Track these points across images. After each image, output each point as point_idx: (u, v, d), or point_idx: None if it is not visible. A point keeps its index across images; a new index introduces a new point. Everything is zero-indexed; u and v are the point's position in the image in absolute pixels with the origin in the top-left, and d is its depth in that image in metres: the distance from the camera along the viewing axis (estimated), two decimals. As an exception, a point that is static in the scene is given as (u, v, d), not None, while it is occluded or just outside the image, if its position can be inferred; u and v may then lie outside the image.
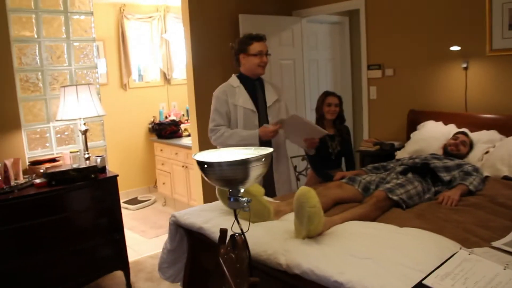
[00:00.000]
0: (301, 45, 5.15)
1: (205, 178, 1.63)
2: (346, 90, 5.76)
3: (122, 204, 3.49)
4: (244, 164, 1.55)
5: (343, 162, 3.78)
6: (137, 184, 6.14)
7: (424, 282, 1.56)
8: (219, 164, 1.55)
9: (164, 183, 5.69)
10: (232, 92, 3.20)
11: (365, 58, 4.56)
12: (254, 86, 3.25)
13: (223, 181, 1.60)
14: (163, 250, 2.71)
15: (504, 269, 1.62)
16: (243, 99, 3.18)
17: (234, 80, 3.25)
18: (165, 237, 2.67)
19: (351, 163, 3.72)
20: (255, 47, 3.12)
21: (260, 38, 3.14)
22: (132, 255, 4.00)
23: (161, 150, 5.67)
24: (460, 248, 1.83)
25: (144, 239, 4.59)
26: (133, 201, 5.79)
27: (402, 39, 4.21)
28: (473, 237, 2.08)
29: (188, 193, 5.22)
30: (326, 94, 3.63)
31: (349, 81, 5.81)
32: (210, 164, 1.56)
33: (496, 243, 1.96)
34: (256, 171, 1.58)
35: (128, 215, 5.31)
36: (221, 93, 3.19)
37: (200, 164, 1.59)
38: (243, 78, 3.24)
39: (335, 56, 5.87)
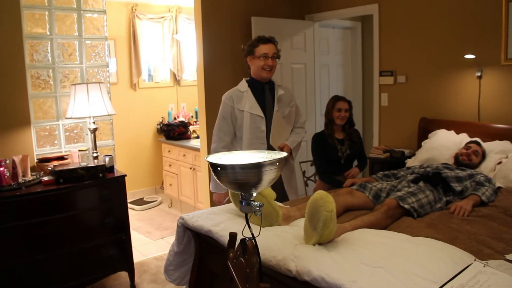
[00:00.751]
0: (313, 50, 5.13)
1: (217, 180, 1.61)
2: (356, 96, 5.73)
3: (128, 205, 3.48)
4: (257, 167, 1.53)
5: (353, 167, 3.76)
6: (144, 185, 6.14)
7: (438, 293, 1.53)
8: (233, 167, 1.53)
9: (171, 185, 5.68)
10: (239, 97, 3.19)
11: (377, 64, 4.53)
12: (263, 90, 3.23)
13: (235, 184, 1.58)
14: (169, 252, 2.70)
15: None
16: (250, 104, 3.17)
17: (242, 84, 3.25)
18: (170, 239, 2.66)
19: (363, 163, 3.72)
20: (260, 49, 3.11)
21: (266, 40, 3.12)
22: (137, 256, 3.99)
23: (169, 151, 5.67)
24: (475, 260, 1.80)
25: (149, 240, 4.57)
26: (139, 202, 5.78)
27: (415, 46, 4.18)
28: (487, 249, 2.05)
29: (195, 195, 5.21)
30: (336, 99, 3.61)
31: (360, 87, 5.78)
32: (223, 167, 1.55)
33: (510, 256, 1.93)
34: (269, 175, 1.56)
35: (134, 215, 5.30)
36: (227, 99, 3.20)
37: (213, 166, 1.57)
38: (252, 82, 3.23)
39: (346, 61, 5.85)
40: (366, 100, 5.67)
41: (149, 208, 5.67)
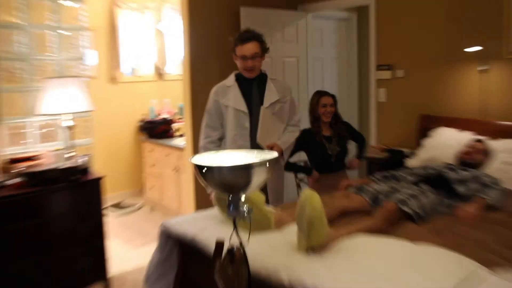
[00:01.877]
0: (305, 42, 5.08)
1: (203, 183, 1.56)
2: (352, 91, 5.71)
3: (105, 209, 3.41)
4: (246, 169, 1.50)
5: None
6: (122, 187, 6.03)
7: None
8: (220, 168, 1.50)
9: (152, 187, 5.60)
10: (224, 92, 3.21)
11: (374, 57, 4.51)
12: (251, 85, 3.21)
13: (223, 186, 1.56)
14: (150, 262, 2.64)
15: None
16: (234, 99, 3.17)
17: (230, 79, 3.25)
18: (152, 246, 2.60)
19: (361, 142, 3.79)
20: (239, 50, 3.08)
21: (245, 39, 3.06)
22: (114, 267, 3.90)
23: (151, 151, 5.59)
24: (481, 269, 1.77)
25: (128, 248, 4.50)
26: (117, 206, 5.69)
27: (414, 38, 4.16)
28: (496, 257, 2.01)
29: (179, 199, 5.13)
30: (320, 94, 3.63)
31: (356, 82, 5.75)
32: (209, 169, 1.51)
33: (521, 265, 1.90)
34: (259, 177, 1.54)
35: (111, 221, 5.21)
36: (213, 93, 3.23)
37: (199, 168, 1.53)
38: (239, 77, 3.23)
39: (341, 54, 5.82)
40: (363, 96, 5.64)
41: (129, 213, 5.59)
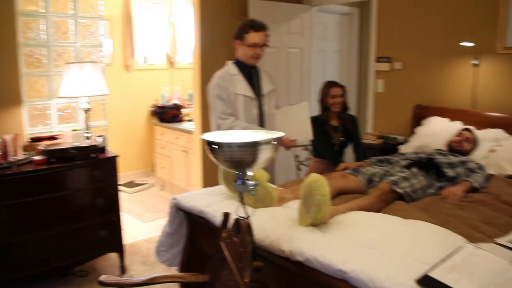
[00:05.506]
0: (310, 34, 5.10)
1: (213, 159, 1.62)
2: (351, 82, 5.74)
3: (119, 187, 3.48)
4: (254, 146, 1.55)
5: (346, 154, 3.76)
6: (135, 167, 6.13)
7: (430, 274, 1.56)
8: (229, 145, 1.55)
9: (163, 167, 5.69)
10: (230, 80, 3.16)
11: (374, 50, 4.54)
12: (251, 74, 3.23)
13: (231, 162, 1.60)
14: (162, 233, 2.71)
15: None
16: (242, 87, 3.16)
17: (231, 67, 3.21)
18: (161, 221, 2.67)
19: (360, 151, 3.62)
20: (251, 37, 3.07)
21: (259, 27, 3.07)
22: (128, 238, 4.00)
23: (162, 134, 5.67)
24: (466, 242, 1.84)
25: (140, 223, 4.59)
26: (130, 184, 5.77)
27: (412, 33, 4.18)
28: (477, 233, 2.09)
29: (187, 178, 5.22)
30: (330, 84, 3.56)
31: (355, 73, 5.80)
32: (219, 145, 1.56)
33: (500, 240, 1.97)
34: (265, 154, 1.59)
35: (125, 197, 5.29)
36: (221, 80, 3.14)
37: (209, 144, 1.58)
38: (240, 65, 3.21)
39: (342, 47, 5.84)
40: (361, 87, 5.69)
41: (141, 191, 5.67)
